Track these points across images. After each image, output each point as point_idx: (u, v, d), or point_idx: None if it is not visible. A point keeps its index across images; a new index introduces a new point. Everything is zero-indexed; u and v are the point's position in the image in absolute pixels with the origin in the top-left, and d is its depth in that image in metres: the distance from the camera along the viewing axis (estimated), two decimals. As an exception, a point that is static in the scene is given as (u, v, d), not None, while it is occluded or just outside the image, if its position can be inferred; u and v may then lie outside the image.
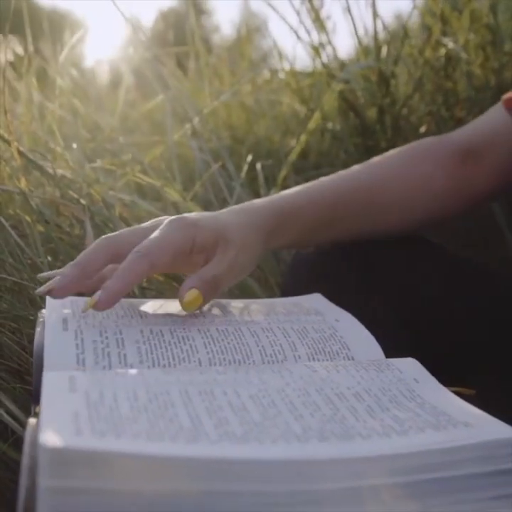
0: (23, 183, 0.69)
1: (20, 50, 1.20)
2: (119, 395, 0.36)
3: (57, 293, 0.48)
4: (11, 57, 1.17)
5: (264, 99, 1.30)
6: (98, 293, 0.46)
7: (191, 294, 0.49)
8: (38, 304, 0.64)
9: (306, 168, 1.15)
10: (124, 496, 0.28)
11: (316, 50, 1.08)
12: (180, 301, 0.49)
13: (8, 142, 0.70)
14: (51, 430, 0.30)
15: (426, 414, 0.37)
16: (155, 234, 0.50)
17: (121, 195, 0.83)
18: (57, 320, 0.47)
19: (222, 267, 0.52)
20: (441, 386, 0.43)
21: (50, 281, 0.48)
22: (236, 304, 0.54)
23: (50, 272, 0.51)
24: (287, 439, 0.33)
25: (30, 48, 1.09)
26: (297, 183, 1.08)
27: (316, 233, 0.64)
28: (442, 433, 0.35)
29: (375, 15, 1.03)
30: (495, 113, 0.70)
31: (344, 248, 0.67)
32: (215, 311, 0.53)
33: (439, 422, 0.36)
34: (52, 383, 0.37)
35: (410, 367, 0.45)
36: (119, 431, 0.31)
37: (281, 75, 1.23)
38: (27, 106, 0.93)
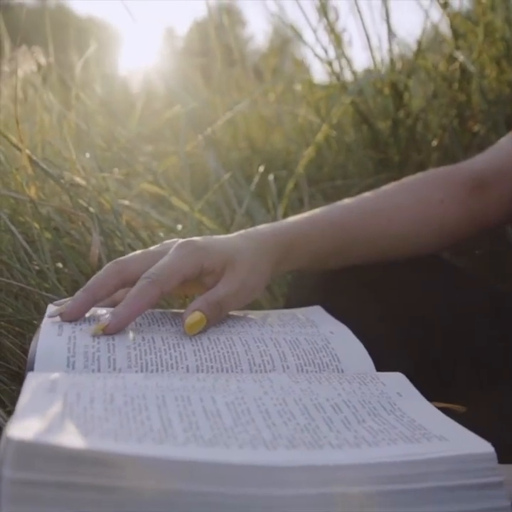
0: (32, 191, 0.71)
1: (43, 61, 1.23)
2: (96, 397, 0.36)
3: (67, 317, 0.49)
4: (34, 68, 1.20)
5: (282, 110, 1.31)
6: (108, 317, 0.48)
7: (194, 317, 0.49)
8: (43, 309, 0.65)
9: (321, 179, 1.16)
10: (85, 492, 0.29)
11: (331, 65, 1.08)
12: (183, 323, 0.49)
13: (20, 150, 0.72)
14: (20, 424, 0.31)
15: (402, 427, 0.37)
16: (164, 259, 0.51)
17: (133, 204, 0.85)
18: (53, 325, 0.49)
19: (229, 290, 0.52)
20: (425, 401, 0.43)
21: (62, 306, 0.50)
22: (232, 314, 0.55)
23: (63, 300, 0.53)
24: (255, 445, 0.33)
25: (52, 59, 1.12)
26: (311, 195, 1.10)
27: (325, 260, 0.64)
28: (414, 445, 0.35)
29: (390, 29, 1.03)
30: (505, 144, 0.70)
31: None
32: None
33: (413, 435, 0.36)
34: (33, 383, 0.38)
35: (395, 381, 0.45)
36: (88, 429, 0.32)
37: (298, 87, 1.24)
38: (44, 115, 0.95)
